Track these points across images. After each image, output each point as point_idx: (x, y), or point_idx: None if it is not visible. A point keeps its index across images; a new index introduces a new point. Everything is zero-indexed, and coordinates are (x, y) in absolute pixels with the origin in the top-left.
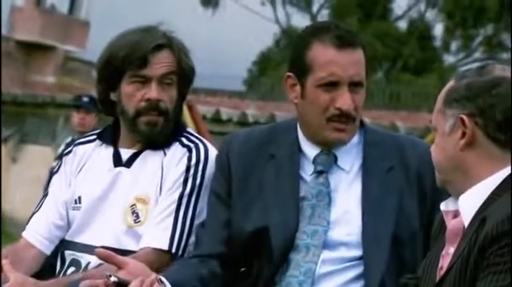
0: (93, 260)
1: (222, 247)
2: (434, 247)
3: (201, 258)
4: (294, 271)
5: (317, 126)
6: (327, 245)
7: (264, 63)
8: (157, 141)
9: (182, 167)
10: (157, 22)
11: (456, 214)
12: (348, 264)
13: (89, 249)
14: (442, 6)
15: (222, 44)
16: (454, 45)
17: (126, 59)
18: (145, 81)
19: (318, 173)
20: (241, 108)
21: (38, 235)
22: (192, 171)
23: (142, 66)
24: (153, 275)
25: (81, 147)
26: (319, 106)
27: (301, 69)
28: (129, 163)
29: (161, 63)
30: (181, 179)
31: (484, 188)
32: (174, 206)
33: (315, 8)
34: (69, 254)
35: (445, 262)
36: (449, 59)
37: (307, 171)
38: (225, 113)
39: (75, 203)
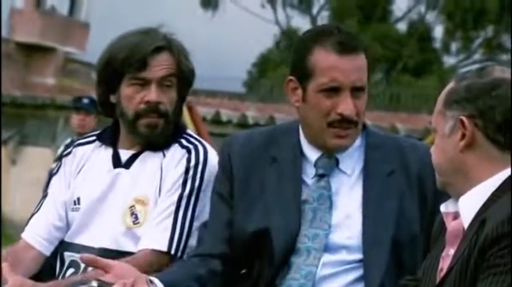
0: None
1: (224, 246)
2: (434, 248)
3: (201, 257)
4: (295, 274)
5: (318, 130)
6: (327, 248)
7: (264, 65)
8: (157, 143)
9: (181, 168)
10: (157, 24)
11: (456, 216)
12: (348, 267)
13: (87, 250)
14: (442, 8)
15: (222, 46)
16: (454, 47)
17: (126, 61)
18: (145, 83)
19: (320, 176)
20: (241, 110)
21: (38, 236)
22: (191, 172)
23: (142, 69)
24: (142, 276)
25: (80, 148)
26: (321, 111)
27: (302, 73)
28: (128, 164)
29: (161, 65)
30: (181, 181)
31: (483, 189)
32: (173, 207)
33: (315, 10)
34: (68, 256)
35: (445, 263)
36: (449, 60)
37: (309, 174)
38: (225, 114)
39: (74, 204)
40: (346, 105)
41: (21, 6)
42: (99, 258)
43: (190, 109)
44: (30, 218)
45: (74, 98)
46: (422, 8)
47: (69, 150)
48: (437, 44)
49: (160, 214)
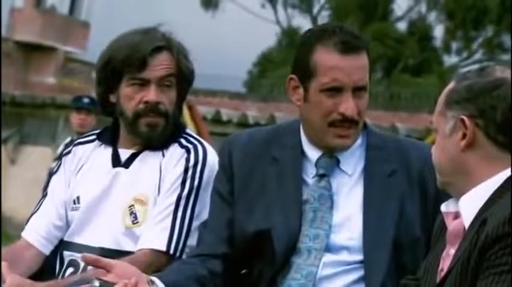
0: None
1: (224, 246)
2: (434, 248)
3: (202, 257)
4: (295, 274)
5: (319, 130)
6: (328, 248)
7: (265, 64)
8: (157, 142)
9: (180, 168)
10: (156, 23)
11: (457, 215)
12: (349, 267)
13: (87, 250)
14: (442, 7)
15: (222, 46)
16: (454, 46)
17: (125, 61)
18: (145, 83)
19: (320, 176)
20: (242, 110)
21: (37, 235)
22: (190, 172)
23: (141, 69)
24: (144, 276)
25: (80, 147)
26: (322, 111)
27: (304, 72)
28: (127, 164)
29: (160, 65)
30: (180, 180)
31: (484, 189)
32: (172, 207)
33: (315, 10)
34: (67, 255)
35: (445, 263)
36: (449, 60)
37: (310, 174)
38: (226, 114)
39: (74, 203)
40: (347, 105)
41: (21, 5)
42: (100, 257)
43: (190, 108)
44: (30, 217)
45: (74, 98)
46: (423, 7)
47: (69, 149)
48: (438, 44)
49: (160, 213)
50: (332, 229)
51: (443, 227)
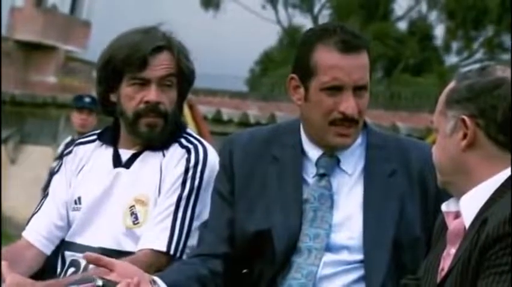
0: None
1: (225, 246)
2: (435, 248)
3: (202, 257)
4: (296, 274)
5: (320, 129)
6: (329, 248)
7: (267, 62)
8: (157, 142)
9: (181, 168)
10: (157, 23)
11: (457, 215)
12: (349, 267)
13: (88, 250)
14: (443, 7)
15: (223, 45)
16: (454, 46)
17: (126, 60)
18: (145, 83)
19: (320, 175)
20: (243, 109)
21: (38, 234)
22: (190, 172)
23: (142, 69)
24: (146, 276)
25: (81, 147)
26: (323, 110)
27: (305, 72)
28: (128, 164)
29: (160, 65)
30: (180, 181)
31: (485, 189)
32: (173, 208)
33: (316, 9)
34: (69, 255)
35: (446, 263)
36: (450, 59)
37: (310, 173)
38: (226, 113)
39: (75, 203)
40: (348, 104)
41: (22, 5)
42: (102, 256)
43: (191, 108)
44: (31, 217)
45: (75, 97)
46: (423, 7)
47: (70, 149)
48: (438, 43)
49: (160, 214)
50: (332, 229)
51: (444, 226)
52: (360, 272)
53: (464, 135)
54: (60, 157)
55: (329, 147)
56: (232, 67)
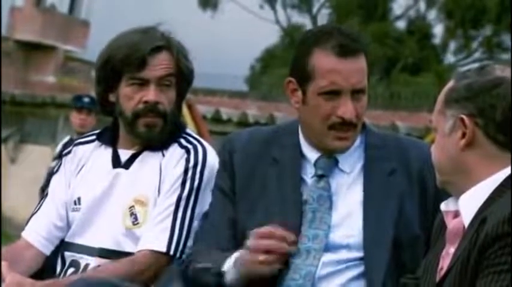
0: (92, 261)
1: (226, 243)
2: (434, 247)
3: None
4: (294, 275)
5: (318, 133)
6: (327, 248)
7: (267, 60)
8: (156, 143)
9: (180, 168)
10: (156, 22)
11: (456, 214)
12: (348, 264)
13: (87, 250)
14: (441, 6)
15: (222, 45)
16: (453, 45)
17: (125, 60)
18: (144, 83)
19: (319, 176)
20: (242, 108)
21: (38, 235)
22: (190, 173)
23: (141, 69)
24: None
25: (80, 147)
26: (321, 114)
27: (302, 75)
28: (127, 165)
29: (159, 65)
30: (180, 181)
31: (484, 188)
32: (172, 208)
33: (315, 9)
34: (68, 256)
35: (445, 262)
36: (449, 59)
37: (309, 174)
38: (225, 113)
39: (75, 204)
40: (346, 109)
41: (21, 4)
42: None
43: (190, 107)
44: (30, 218)
45: (74, 97)
46: (422, 6)
47: (69, 149)
48: (437, 42)
49: (160, 214)
50: (331, 229)
51: (443, 226)
52: (359, 270)
53: (463, 135)
54: (59, 157)
55: (328, 150)
56: (232, 66)
